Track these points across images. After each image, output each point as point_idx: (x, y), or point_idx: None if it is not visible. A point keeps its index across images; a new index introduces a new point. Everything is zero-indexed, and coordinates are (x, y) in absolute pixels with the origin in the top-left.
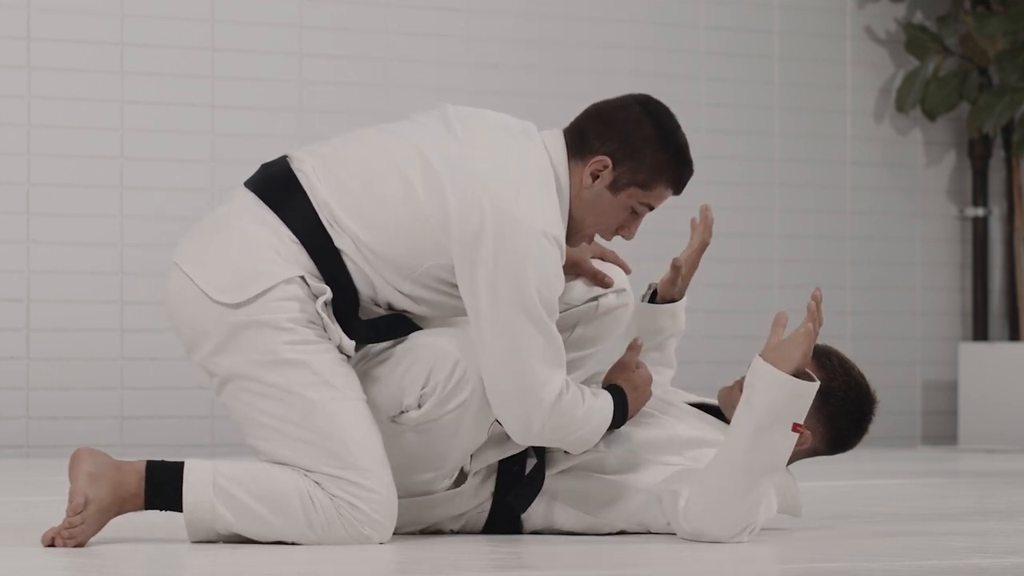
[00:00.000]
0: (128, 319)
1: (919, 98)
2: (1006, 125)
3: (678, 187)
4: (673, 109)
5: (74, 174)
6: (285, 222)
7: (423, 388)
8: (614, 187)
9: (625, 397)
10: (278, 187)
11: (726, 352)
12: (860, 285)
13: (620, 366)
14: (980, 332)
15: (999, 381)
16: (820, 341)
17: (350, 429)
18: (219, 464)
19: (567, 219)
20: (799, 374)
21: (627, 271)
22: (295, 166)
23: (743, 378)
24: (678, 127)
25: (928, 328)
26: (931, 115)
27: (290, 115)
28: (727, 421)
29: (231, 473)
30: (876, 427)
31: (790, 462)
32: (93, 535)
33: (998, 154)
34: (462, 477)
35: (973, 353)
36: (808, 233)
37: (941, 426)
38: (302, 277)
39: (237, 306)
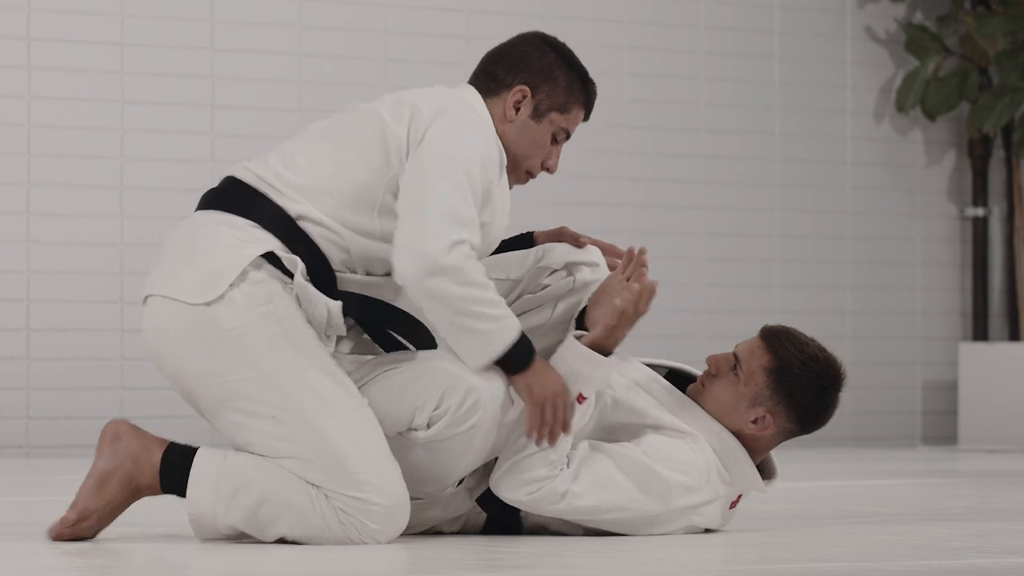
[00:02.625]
0: (128, 319)
1: (919, 98)
2: (1006, 125)
3: (588, 107)
4: (673, 109)
5: (74, 174)
6: (238, 213)
7: (435, 410)
8: (536, 115)
9: (532, 363)
10: (221, 192)
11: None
12: (860, 285)
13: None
14: (980, 332)
15: (999, 381)
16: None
17: (344, 444)
18: (227, 461)
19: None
20: (601, 351)
21: (617, 255)
22: (232, 172)
23: (705, 371)
24: (573, 53)
25: (928, 328)
26: (931, 115)
27: (290, 115)
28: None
29: (237, 470)
30: (876, 427)
31: (767, 447)
32: (100, 531)
33: (998, 154)
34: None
35: (973, 353)
36: (808, 233)
37: (941, 426)
38: (270, 253)
39: (211, 306)
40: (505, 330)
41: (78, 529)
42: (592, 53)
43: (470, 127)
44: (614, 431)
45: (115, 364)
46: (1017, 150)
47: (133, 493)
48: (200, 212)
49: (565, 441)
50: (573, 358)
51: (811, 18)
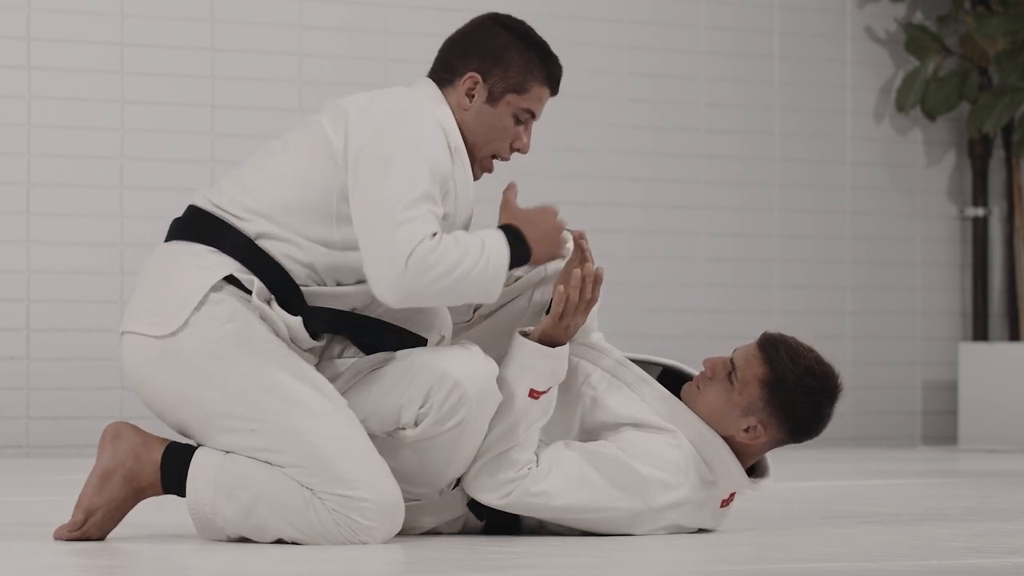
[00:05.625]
0: None
1: (919, 98)
2: (1006, 125)
3: (551, 82)
4: (673, 109)
5: (74, 174)
6: (197, 240)
7: (420, 408)
8: (491, 99)
9: (520, 232)
10: (182, 222)
11: (726, 352)
12: (860, 285)
13: (503, 207)
14: (980, 332)
15: (999, 381)
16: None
17: (327, 446)
18: (227, 458)
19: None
20: (551, 342)
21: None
22: (194, 201)
23: (702, 373)
24: (531, 29)
25: (928, 328)
26: (931, 115)
27: (290, 115)
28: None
29: (236, 467)
30: (876, 427)
31: (757, 453)
32: (108, 531)
33: (998, 154)
34: (452, 483)
35: (973, 353)
36: (808, 233)
37: (941, 426)
38: (230, 277)
39: (176, 335)
40: (497, 262)
41: (85, 530)
42: (592, 53)
43: (402, 119)
44: (595, 430)
45: (115, 364)
46: (1017, 150)
47: (135, 492)
48: (165, 244)
49: (531, 440)
50: (521, 354)
51: (811, 18)
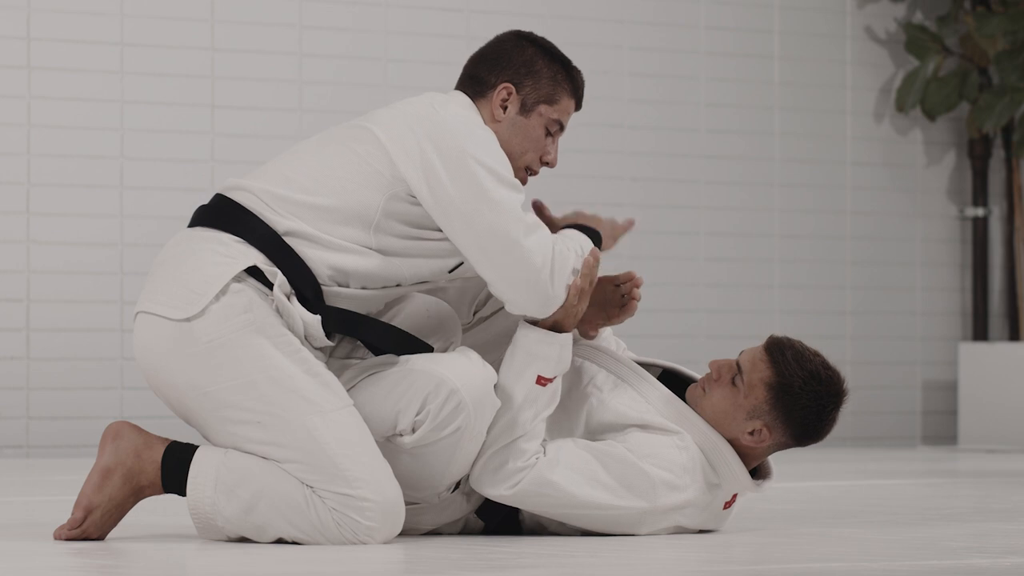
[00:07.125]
0: (128, 319)
1: (919, 98)
2: (1006, 125)
3: (577, 94)
4: (673, 109)
5: (74, 174)
6: (226, 230)
7: (417, 415)
8: (524, 110)
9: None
10: (211, 209)
11: (726, 352)
12: (860, 285)
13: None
14: (980, 332)
15: (999, 381)
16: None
17: (332, 443)
18: (228, 457)
19: None
20: (556, 328)
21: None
22: (223, 190)
23: (707, 375)
24: (554, 44)
25: (928, 328)
26: (931, 115)
27: (290, 115)
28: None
29: (237, 465)
30: (876, 427)
31: (761, 456)
32: (108, 531)
33: (998, 154)
34: (451, 486)
35: (973, 353)
36: (808, 233)
37: (941, 426)
38: (253, 268)
39: (192, 321)
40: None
41: (84, 528)
42: (592, 53)
43: (479, 129)
44: (601, 431)
45: (115, 364)
46: (1017, 150)
47: (135, 491)
48: (189, 229)
49: (539, 430)
50: (528, 340)
51: (811, 18)
